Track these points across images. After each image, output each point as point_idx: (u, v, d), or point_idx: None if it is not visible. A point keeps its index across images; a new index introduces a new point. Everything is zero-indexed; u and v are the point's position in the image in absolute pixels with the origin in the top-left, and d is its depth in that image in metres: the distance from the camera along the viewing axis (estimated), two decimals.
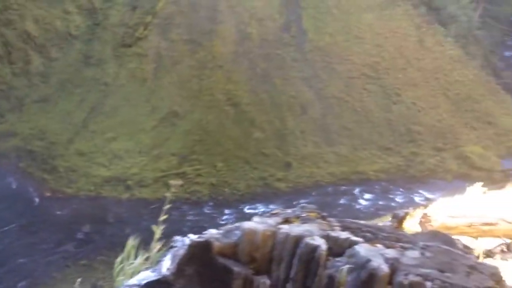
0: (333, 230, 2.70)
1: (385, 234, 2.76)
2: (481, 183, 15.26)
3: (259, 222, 2.66)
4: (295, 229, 2.61)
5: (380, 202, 27.78)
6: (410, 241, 2.72)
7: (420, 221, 9.28)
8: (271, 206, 27.89)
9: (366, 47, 34.42)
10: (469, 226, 9.12)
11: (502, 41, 47.47)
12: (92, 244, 23.48)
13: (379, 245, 2.61)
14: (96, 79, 31.38)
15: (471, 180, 21.52)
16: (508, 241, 9.28)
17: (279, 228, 2.62)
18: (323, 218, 2.84)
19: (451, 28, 37.92)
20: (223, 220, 26.81)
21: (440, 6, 39.45)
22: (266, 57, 32.56)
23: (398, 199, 28.06)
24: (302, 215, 2.81)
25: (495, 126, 32.96)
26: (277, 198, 28.48)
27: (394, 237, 2.75)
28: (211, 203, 27.90)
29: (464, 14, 40.53)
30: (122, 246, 3.81)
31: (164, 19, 33.57)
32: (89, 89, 31.03)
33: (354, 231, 2.76)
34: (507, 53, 45.98)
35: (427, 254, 2.51)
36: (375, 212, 25.08)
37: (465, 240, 9.79)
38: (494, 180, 28.23)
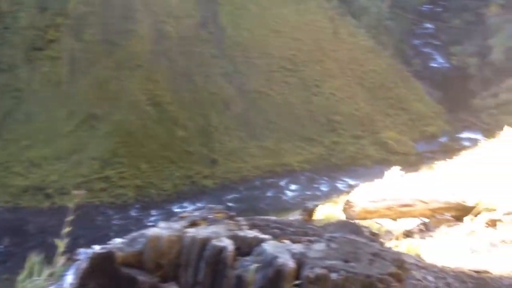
0: (241, 229, 2.68)
1: (293, 229, 2.78)
2: (398, 167, 15.99)
3: (164, 227, 2.59)
4: (202, 231, 2.56)
5: (306, 192, 28.37)
6: (317, 233, 2.76)
7: (344, 208, 9.58)
8: (199, 204, 27.78)
9: (284, 41, 34.96)
10: (389, 209, 9.52)
11: (411, 30, 49.77)
12: (13, 258, 22.34)
13: (286, 241, 2.62)
14: (8, 85, 29.85)
15: (389, 164, 22.43)
16: (425, 220, 9.79)
17: (185, 232, 2.56)
18: (231, 218, 2.82)
19: (362, 19, 39.30)
20: (150, 222, 26.36)
21: None
22: (185, 55, 32.26)
23: (323, 187, 28.79)
24: (209, 216, 2.77)
25: (408, 112, 34.56)
26: (204, 196, 28.38)
27: (302, 231, 2.78)
28: (137, 206, 27.36)
29: (374, 5, 42.13)
30: (45, 257, 3.62)
31: (76, 19, 32.40)
32: (1, 95, 29.46)
33: (262, 229, 2.76)
34: (415, 42, 48.29)
35: (333, 245, 2.55)
36: (302, 202, 25.44)
37: (386, 222, 10.21)
38: (410, 163, 29.61)
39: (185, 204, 27.65)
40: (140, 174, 28.18)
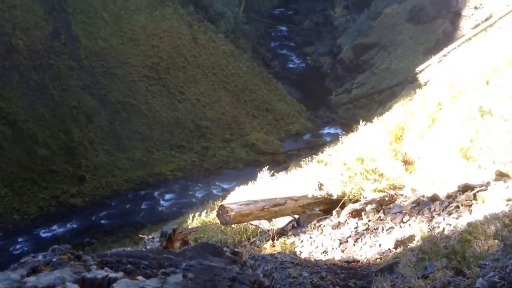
0: (89, 270, 2.48)
1: (147, 262, 2.64)
2: (267, 167, 16.54)
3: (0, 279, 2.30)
4: (44, 279, 2.30)
5: (181, 200, 28.21)
6: (173, 263, 2.65)
7: (218, 213, 9.64)
8: (69, 225, 26.32)
9: (142, 49, 34.35)
10: (262, 210, 9.77)
11: (267, 33, 51.79)
12: None
13: (139, 277, 2.47)
14: None
15: (260, 165, 23.19)
16: (296, 216, 10.22)
17: (25, 282, 2.30)
18: (78, 258, 2.60)
19: (220, 24, 40.00)
20: (17, 250, 24.47)
21: (207, 4, 41.31)
22: (38, 69, 30.28)
23: (198, 194, 28.83)
24: (53, 260, 2.54)
25: (272, 112, 35.90)
26: (74, 215, 26.96)
27: (156, 263, 2.64)
28: (0, 234, 25.29)
29: (230, 11, 43.10)
30: None
31: None
32: None
33: (114, 266, 2.58)
34: (272, 44, 50.33)
35: (190, 275, 2.45)
36: (178, 211, 25.38)
37: (261, 223, 10.49)
38: (279, 162, 30.91)
39: (53, 227, 26.05)
40: (0, 199, 26.02)
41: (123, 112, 31.60)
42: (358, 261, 7.27)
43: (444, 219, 6.76)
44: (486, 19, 30.83)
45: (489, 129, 8.30)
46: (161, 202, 28.44)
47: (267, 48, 48.50)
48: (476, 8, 34.21)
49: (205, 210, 14.66)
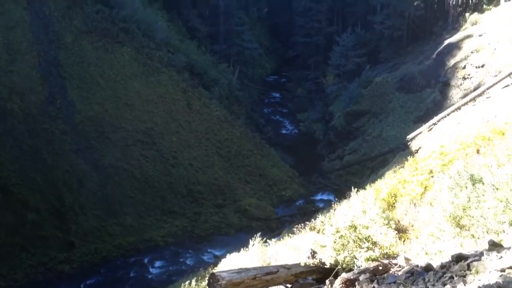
0: None
1: None
2: (260, 233, 16.34)
3: None
4: None
5: (171, 268, 27.61)
6: None
7: (209, 282, 9.39)
8: None
9: (137, 114, 34.72)
10: (254, 279, 9.54)
11: (260, 99, 52.85)
12: None
13: None
14: None
15: (252, 231, 22.93)
16: (289, 285, 9.98)
17: None
18: None
19: (214, 90, 40.77)
20: None
21: (202, 71, 42.28)
22: (32, 133, 30.41)
23: (189, 261, 28.27)
24: None
25: (265, 177, 35.96)
26: (62, 282, 26.25)
27: None
28: None
29: (224, 77, 44.09)
30: None
31: None
32: None
33: None
34: (265, 110, 51.23)
35: None
36: (168, 279, 24.81)
37: None
38: (271, 228, 30.61)
39: None
40: None
41: (116, 177, 31.50)
42: None
43: None
44: (475, 89, 31.68)
45: (481, 198, 8.31)
46: (151, 269, 27.80)
47: (261, 114, 49.32)
48: (464, 78, 35.19)
49: (196, 278, 14.34)
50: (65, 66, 33.25)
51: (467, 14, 43.90)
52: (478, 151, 10.44)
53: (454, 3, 46.51)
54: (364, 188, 14.49)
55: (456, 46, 38.14)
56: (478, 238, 7.87)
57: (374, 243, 9.57)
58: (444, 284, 6.76)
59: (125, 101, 34.90)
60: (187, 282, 14.04)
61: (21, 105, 30.87)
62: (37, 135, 30.58)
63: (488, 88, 27.07)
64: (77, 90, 33.42)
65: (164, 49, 39.87)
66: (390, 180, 14.02)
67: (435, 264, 7.64)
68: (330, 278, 9.43)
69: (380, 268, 8.84)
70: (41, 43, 32.73)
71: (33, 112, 31.12)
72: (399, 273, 8.04)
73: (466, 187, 8.85)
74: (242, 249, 16.27)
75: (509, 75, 26.18)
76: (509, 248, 6.93)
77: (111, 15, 37.15)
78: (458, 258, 7.20)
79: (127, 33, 37.31)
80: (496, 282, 5.69)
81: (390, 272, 8.44)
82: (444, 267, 7.33)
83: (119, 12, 37.55)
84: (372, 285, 8.15)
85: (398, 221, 10.48)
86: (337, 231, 10.28)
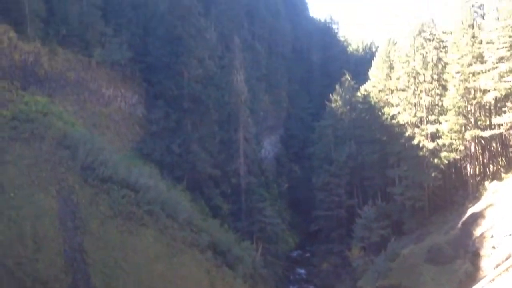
0: None
1: None
2: None
3: None
4: None
5: None
6: None
7: None
8: None
9: None
10: None
11: (285, 276, 51.43)
12: None
13: None
14: None
15: None
16: None
17: None
18: None
19: (238, 269, 39.99)
20: None
21: (225, 249, 41.96)
22: None
23: None
24: None
25: None
26: None
27: None
28: None
29: (247, 255, 43.56)
30: None
31: None
32: None
33: None
34: (291, 287, 49.53)
35: None
36: None
37: None
38: None
39: None
40: None
41: None
42: None
43: None
44: (506, 259, 30.66)
45: None
46: None
47: None
48: (494, 247, 34.27)
49: None
50: (89, 252, 33.33)
51: (486, 183, 44.37)
52: None
53: (472, 172, 47.25)
54: None
55: (480, 215, 37.93)
56: None
57: None
58: None
59: (148, 284, 34.20)
60: None
61: None
62: None
63: None
64: (100, 275, 33.03)
65: (188, 228, 40.20)
66: None
67: None
68: None
69: None
70: (67, 230, 33.32)
71: None
72: None
73: None
74: None
75: None
76: None
77: (136, 198, 38.25)
78: None
79: (151, 215, 38.01)
80: None
81: None
82: None
83: (144, 196, 38.70)
84: None
85: None
86: None
